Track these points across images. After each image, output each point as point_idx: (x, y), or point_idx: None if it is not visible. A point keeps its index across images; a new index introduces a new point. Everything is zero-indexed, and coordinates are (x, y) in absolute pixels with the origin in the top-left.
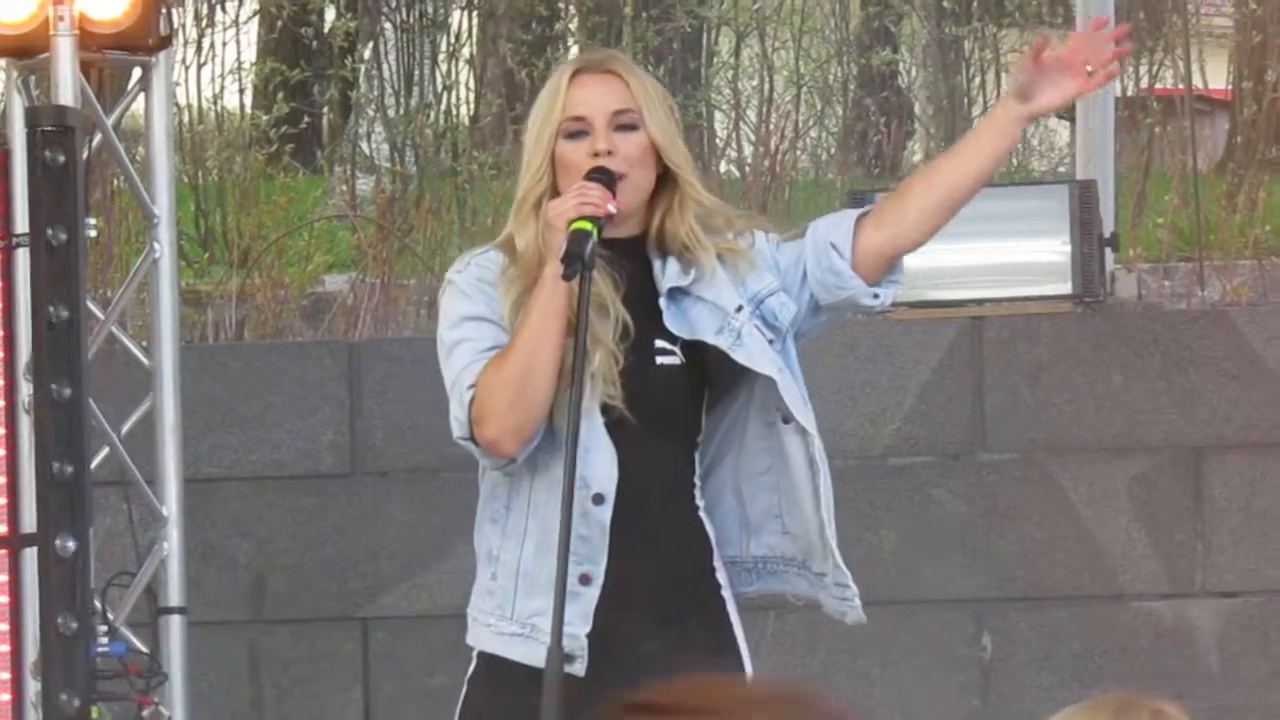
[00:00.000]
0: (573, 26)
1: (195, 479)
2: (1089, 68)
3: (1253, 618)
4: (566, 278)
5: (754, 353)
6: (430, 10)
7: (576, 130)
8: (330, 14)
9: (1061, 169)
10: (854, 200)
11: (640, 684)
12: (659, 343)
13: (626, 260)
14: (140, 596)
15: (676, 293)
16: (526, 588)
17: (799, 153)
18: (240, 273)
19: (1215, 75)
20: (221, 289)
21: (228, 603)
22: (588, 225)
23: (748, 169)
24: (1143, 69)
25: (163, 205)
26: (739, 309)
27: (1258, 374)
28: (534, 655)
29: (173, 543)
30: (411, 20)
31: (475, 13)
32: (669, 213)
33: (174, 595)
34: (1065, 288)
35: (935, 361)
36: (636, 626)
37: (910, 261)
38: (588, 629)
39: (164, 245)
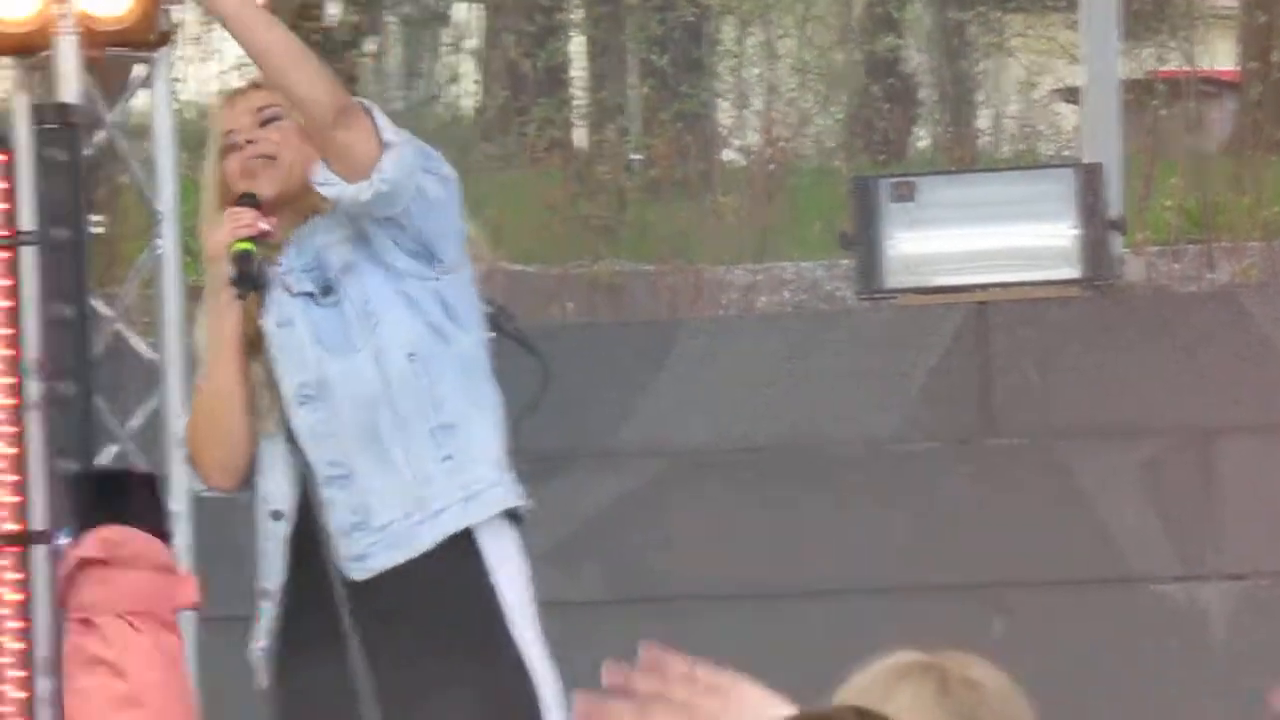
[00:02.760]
0: (575, 17)
1: None
2: None
3: (1263, 599)
4: (240, 298)
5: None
6: (433, 3)
7: (230, 144)
8: (334, 8)
9: (1067, 152)
10: (859, 187)
11: (321, 696)
12: None
13: None
14: None
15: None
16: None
17: (804, 140)
18: None
19: (1222, 57)
20: None
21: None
22: (248, 245)
23: (753, 157)
24: (1148, 52)
25: (167, 202)
26: None
27: (1267, 355)
28: None
29: (183, 539)
30: (414, 14)
31: (480, 5)
32: None
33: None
34: (1073, 272)
35: (941, 347)
36: (314, 637)
37: (915, 247)
38: (263, 644)
39: (168, 241)
